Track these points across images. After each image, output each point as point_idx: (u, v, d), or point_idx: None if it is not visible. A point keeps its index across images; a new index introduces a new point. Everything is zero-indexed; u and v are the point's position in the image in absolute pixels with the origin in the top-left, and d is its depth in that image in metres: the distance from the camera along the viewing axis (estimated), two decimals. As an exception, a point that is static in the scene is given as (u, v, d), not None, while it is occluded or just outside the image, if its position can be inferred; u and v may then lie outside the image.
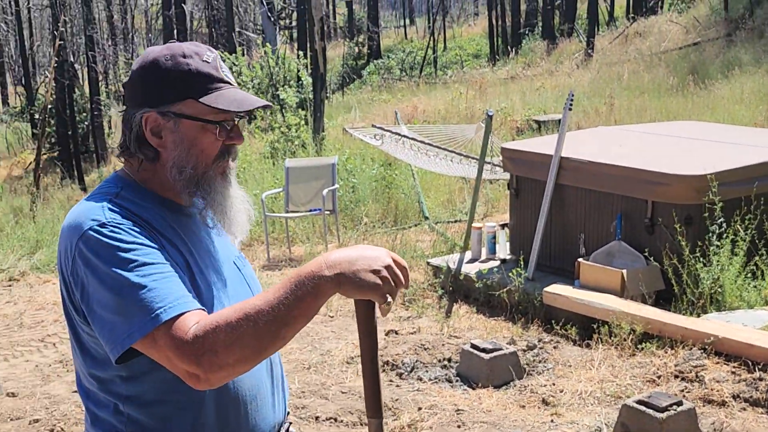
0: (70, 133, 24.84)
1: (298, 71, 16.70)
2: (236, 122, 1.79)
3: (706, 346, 5.19)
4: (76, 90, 26.60)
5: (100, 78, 29.54)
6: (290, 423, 2.00)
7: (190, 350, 1.52)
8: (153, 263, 1.62)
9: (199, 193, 1.77)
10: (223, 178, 1.80)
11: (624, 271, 5.97)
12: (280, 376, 1.95)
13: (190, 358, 1.52)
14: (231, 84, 1.78)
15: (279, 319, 1.52)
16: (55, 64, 15.87)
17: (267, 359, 1.84)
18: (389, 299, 1.55)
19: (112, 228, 1.64)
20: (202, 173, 1.76)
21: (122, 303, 1.58)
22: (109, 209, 1.68)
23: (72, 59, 25.90)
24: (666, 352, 5.34)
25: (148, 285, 1.58)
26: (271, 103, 1.85)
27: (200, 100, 1.72)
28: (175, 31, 24.42)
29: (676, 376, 5.02)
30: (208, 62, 1.76)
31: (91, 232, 1.63)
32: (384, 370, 5.58)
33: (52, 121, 24.67)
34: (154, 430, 1.72)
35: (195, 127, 1.74)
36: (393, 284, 1.55)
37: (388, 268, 1.55)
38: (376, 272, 1.53)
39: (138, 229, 1.66)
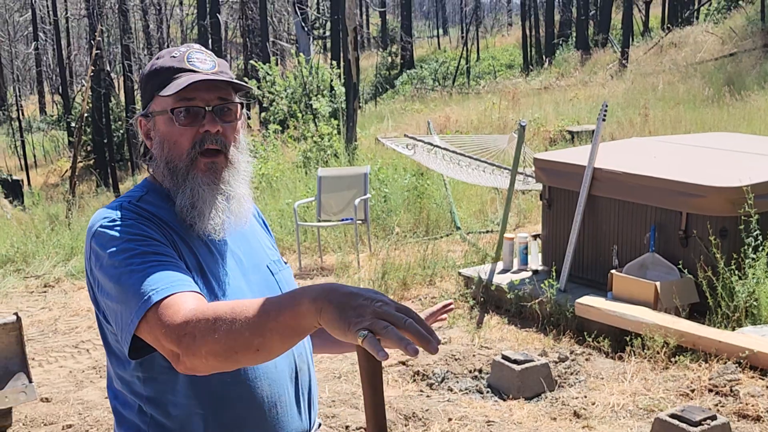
0: (105, 141, 25.13)
1: (331, 81, 16.77)
2: (208, 109, 1.76)
3: (741, 360, 5.12)
4: (112, 99, 26.94)
5: (136, 87, 29.86)
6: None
7: (175, 330, 1.51)
8: (152, 252, 1.64)
9: (177, 186, 1.77)
10: (206, 175, 1.77)
11: (657, 283, 5.91)
12: (308, 385, 1.91)
13: (174, 337, 1.51)
14: (195, 70, 1.77)
15: (255, 326, 1.44)
16: (92, 74, 16.06)
17: (291, 366, 1.83)
18: (364, 333, 1.32)
19: (119, 222, 1.69)
20: (178, 166, 1.77)
21: (122, 291, 1.60)
22: (123, 209, 1.73)
23: (108, 68, 26.22)
24: (700, 366, 5.28)
25: (145, 271, 1.59)
26: (222, 79, 1.77)
27: (159, 93, 1.76)
28: (210, 41, 24.64)
29: (710, 390, 4.96)
30: (174, 56, 1.79)
31: (101, 229, 1.69)
32: (414, 380, 5.57)
33: (88, 130, 24.97)
34: (174, 431, 1.74)
35: (164, 121, 1.77)
36: (380, 321, 1.32)
37: (382, 305, 1.35)
38: (362, 307, 1.35)
39: (147, 223, 1.70)
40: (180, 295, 1.56)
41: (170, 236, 1.73)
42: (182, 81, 1.73)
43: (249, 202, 1.86)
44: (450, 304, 2.00)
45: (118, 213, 1.72)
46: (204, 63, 1.79)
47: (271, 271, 1.89)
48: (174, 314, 1.52)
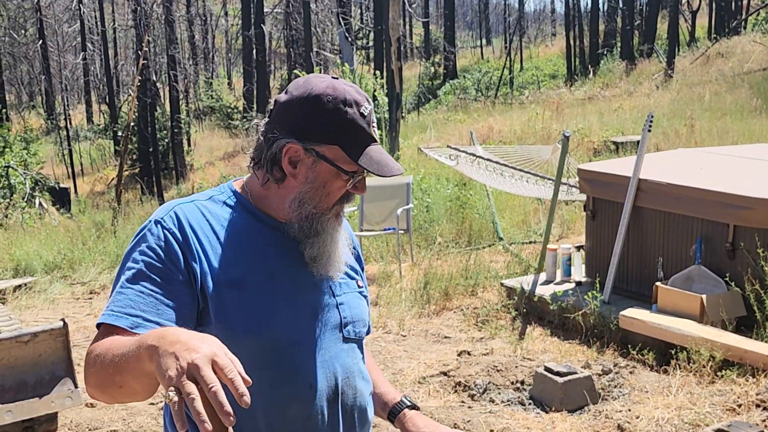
0: (151, 150, 25.46)
1: (375, 90, 16.82)
2: (364, 174, 1.82)
3: (790, 376, 5.03)
4: (158, 108, 27.29)
5: (181, 97, 30.24)
6: None
7: (85, 358, 1.65)
8: (148, 276, 1.70)
9: (308, 229, 1.81)
10: (335, 219, 1.84)
11: (704, 296, 5.83)
12: (354, 408, 1.90)
13: (84, 364, 1.65)
14: (376, 140, 1.82)
15: (114, 365, 1.53)
16: (138, 83, 16.28)
17: (330, 387, 1.83)
18: (172, 394, 1.31)
19: (153, 227, 1.76)
20: (320, 214, 1.81)
21: (113, 287, 1.74)
22: (174, 212, 1.78)
23: (154, 78, 26.57)
24: (747, 381, 5.19)
25: (124, 291, 1.69)
26: (399, 173, 1.83)
27: (347, 152, 1.76)
28: (254, 51, 24.85)
29: (758, 406, 4.87)
30: (364, 116, 1.78)
31: (147, 223, 1.79)
32: (456, 391, 5.55)
33: (134, 139, 25.33)
34: None
35: (331, 171, 1.77)
36: (187, 385, 1.32)
37: (194, 364, 1.33)
38: (179, 361, 1.35)
39: (177, 237, 1.74)
40: (115, 329, 1.65)
41: (204, 246, 1.76)
42: (378, 160, 1.77)
43: (349, 238, 1.98)
44: None
45: (167, 216, 1.78)
46: (376, 130, 1.84)
47: (333, 292, 1.89)
48: (93, 343, 1.65)
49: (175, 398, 1.32)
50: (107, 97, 31.09)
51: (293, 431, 1.79)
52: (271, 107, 1.84)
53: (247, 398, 1.34)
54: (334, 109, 1.76)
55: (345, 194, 1.82)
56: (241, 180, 1.92)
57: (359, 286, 1.99)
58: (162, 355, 1.38)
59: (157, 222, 1.76)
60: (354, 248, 2.02)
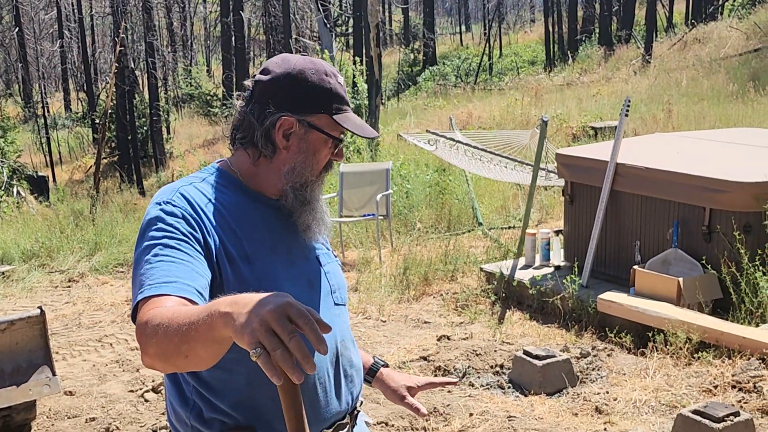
0: (129, 138, 25.29)
1: (354, 77, 16.79)
2: (344, 142, 2.00)
3: (765, 356, 5.08)
4: (136, 96, 27.10)
5: (160, 84, 30.04)
6: (358, 412, 2.08)
7: (138, 330, 1.63)
8: (172, 247, 1.75)
9: (302, 197, 1.94)
10: (319, 187, 1.99)
11: (680, 279, 5.88)
12: (351, 368, 2.02)
13: (137, 336, 1.64)
14: (351, 108, 1.99)
15: (181, 334, 1.53)
16: (116, 71, 16.16)
17: (332, 351, 1.95)
18: (259, 351, 1.36)
19: (164, 207, 1.82)
20: (310, 180, 1.94)
21: (135, 274, 1.75)
22: (180, 192, 1.86)
23: (132, 66, 26.38)
24: (723, 362, 5.25)
25: (153, 264, 1.72)
26: (377, 136, 2.04)
27: (334, 117, 1.91)
28: (233, 38, 24.73)
29: (734, 387, 4.93)
30: (341, 84, 1.95)
31: (151, 207, 1.85)
32: (436, 375, 5.57)
33: (113, 127, 25.15)
34: (215, 415, 1.85)
35: (320, 139, 1.93)
36: (271, 335, 1.37)
37: (271, 314, 1.38)
38: (257, 318, 1.39)
39: (189, 214, 1.82)
40: (162, 299, 1.66)
41: (212, 223, 1.84)
42: (360, 124, 1.96)
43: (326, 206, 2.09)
44: (455, 383, 2.28)
45: (172, 197, 1.85)
46: (347, 95, 2.00)
47: (320, 262, 2.03)
48: (145, 314, 1.64)
49: (258, 355, 1.37)
50: (85, 84, 30.84)
51: (304, 395, 1.82)
52: (251, 87, 1.94)
53: (325, 346, 1.39)
54: (319, 80, 1.91)
55: (328, 162, 1.98)
56: (224, 162, 2.00)
57: (335, 256, 2.14)
58: (237, 318, 1.43)
59: (167, 202, 1.83)
60: None
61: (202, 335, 1.51)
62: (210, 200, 1.88)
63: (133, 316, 1.70)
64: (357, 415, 2.07)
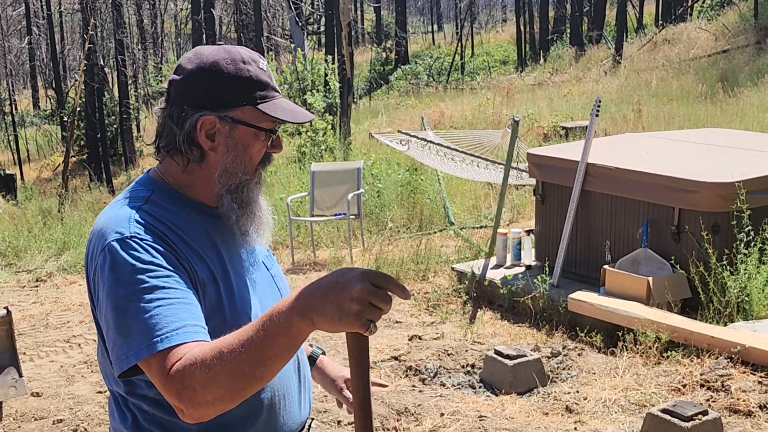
0: (99, 136, 25.06)
1: (326, 76, 16.75)
2: (278, 132, 1.82)
3: (733, 356, 5.13)
4: (106, 93, 26.86)
5: (130, 82, 29.80)
6: (312, 419, 2.01)
7: (172, 385, 1.51)
8: (163, 287, 1.60)
9: (239, 199, 1.79)
10: (256, 186, 1.83)
11: (650, 278, 5.92)
12: (307, 375, 1.96)
13: (173, 392, 1.52)
14: (280, 93, 1.82)
15: (252, 359, 1.47)
16: (85, 68, 16.01)
17: (295, 359, 1.87)
18: (371, 326, 1.44)
19: (132, 244, 1.63)
20: (245, 179, 1.79)
21: (125, 325, 1.58)
22: (136, 221, 1.68)
23: (102, 63, 26.15)
24: (692, 361, 5.29)
25: (152, 311, 1.57)
26: (311, 119, 1.86)
27: (259, 107, 1.75)
28: (204, 36, 24.59)
29: (702, 385, 4.97)
30: (263, 70, 1.78)
31: (114, 244, 1.64)
32: (407, 375, 5.57)
33: (82, 124, 24.91)
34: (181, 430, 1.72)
35: (249, 133, 1.76)
36: (372, 308, 1.43)
37: (362, 292, 1.42)
38: (351, 301, 1.42)
39: (160, 245, 1.66)
40: (183, 347, 1.54)
41: (180, 251, 1.69)
42: (290, 109, 1.78)
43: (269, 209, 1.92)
44: (386, 386, 2.23)
45: (131, 228, 1.66)
46: (273, 80, 1.83)
47: (266, 266, 1.93)
48: (170, 368, 1.52)
49: (373, 328, 1.44)
50: (54, 82, 30.51)
51: (275, 408, 1.81)
52: (168, 89, 1.79)
53: (408, 292, 1.47)
54: (236, 70, 1.74)
55: (265, 156, 1.82)
56: (155, 172, 1.83)
57: (272, 256, 2.04)
58: (326, 312, 1.43)
59: (131, 238, 1.64)
60: None
61: (279, 348, 1.48)
62: (165, 224, 1.71)
63: (124, 372, 1.59)
64: (311, 424, 1.99)
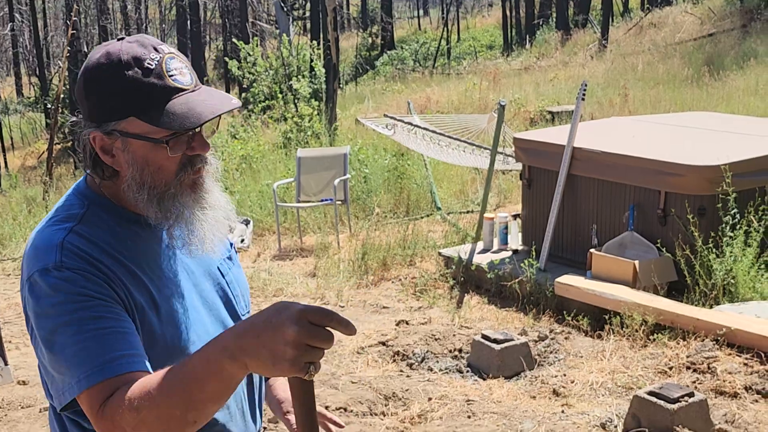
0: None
1: (312, 61, 16.69)
2: (197, 131, 1.57)
3: (719, 338, 5.15)
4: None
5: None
6: (265, 428, 1.93)
7: (103, 424, 1.42)
8: (90, 317, 1.46)
9: (166, 210, 1.59)
10: (193, 190, 1.61)
11: (636, 262, 5.93)
12: (259, 386, 1.84)
13: (103, 430, 1.43)
14: (182, 89, 1.55)
15: (182, 403, 1.36)
16: (68, 54, 15.90)
17: None
18: (310, 369, 1.29)
19: (57, 273, 1.49)
20: (164, 191, 1.58)
21: (53, 359, 1.48)
22: (64, 247, 1.52)
23: (86, 49, 25.95)
24: (678, 344, 5.31)
25: (81, 344, 1.45)
26: (226, 110, 1.57)
27: (140, 118, 1.52)
28: (189, 22, 24.45)
29: (688, 368, 4.99)
30: (150, 68, 1.53)
31: (38, 276, 1.50)
32: (394, 360, 5.57)
33: (66, 112, 24.74)
34: None
35: (145, 146, 1.55)
36: (310, 349, 1.27)
37: (297, 335, 1.26)
38: (285, 345, 1.26)
39: (90, 273, 1.51)
40: (116, 381, 1.42)
41: (115, 273, 1.54)
42: (182, 113, 1.52)
43: (229, 207, 1.70)
44: (341, 426, 1.97)
45: (58, 256, 1.51)
46: (184, 75, 1.57)
47: (221, 273, 1.77)
48: (99, 406, 1.42)
49: (315, 371, 1.30)
50: (37, 69, 30.28)
51: (226, 419, 1.70)
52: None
53: (354, 327, 1.29)
54: (112, 78, 1.52)
55: (186, 160, 1.58)
56: (92, 181, 1.65)
57: (234, 260, 1.85)
58: (260, 356, 1.29)
59: (58, 267, 1.49)
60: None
61: (211, 393, 1.36)
62: (99, 246, 1.55)
63: (64, 407, 1.48)
64: None
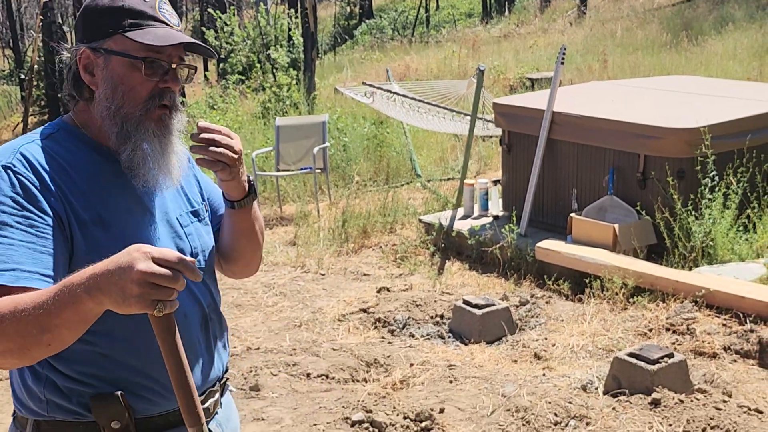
0: (59, 95, 24.62)
1: (290, 30, 16.54)
2: (173, 66, 1.74)
3: (698, 299, 5.18)
4: (65, 52, 26.33)
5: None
6: (227, 379, 1.99)
7: None
8: (11, 226, 1.58)
9: (125, 134, 1.72)
10: (158, 126, 1.74)
11: (616, 225, 5.94)
12: (220, 334, 1.92)
13: None
14: (168, 24, 1.75)
15: (40, 323, 1.46)
16: (41, 25, 15.68)
17: (200, 315, 1.83)
18: (158, 306, 1.42)
19: (8, 174, 1.63)
20: (130, 114, 1.71)
21: None
22: (21, 153, 1.66)
23: (59, 21, 25.61)
24: (657, 306, 5.33)
25: None
26: (201, 44, 1.78)
27: (126, 34, 1.69)
28: (164, -9, 24.13)
29: (668, 329, 5.01)
30: (145, 1, 1.74)
31: None
32: (376, 327, 5.57)
33: (41, 84, 24.46)
34: (73, 386, 1.70)
35: (124, 64, 1.71)
36: (158, 288, 1.41)
37: (142, 274, 1.40)
38: (132, 283, 1.40)
39: (35, 180, 1.63)
40: (5, 290, 1.53)
41: (62, 186, 1.66)
42: (163, 34, 1.70)
43: (185, 158, 1.86)
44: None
45: (13, 158, 1.65)
46: (173, 17, 1.77)
47: (180, 223, 1.86)
48: None
49: (164, 309, 1.42)
50: (11, 41, 29.89)
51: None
52: None
53: (199, 273, 1.47)
54: (110, 1, 1.72)
55: (157, 92, 1.73)
56: (68, 116, 1.82)
57: (206, 210, 1.96)
58: (110, 293, 1.42)
59: (5, 168, 1.63)
60: (197, 181, 1.98)
61: (67, 320, 1.47)
62: (55, 159, 1.68)
63: None
64: (226, 383, 1.98)
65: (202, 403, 1.79)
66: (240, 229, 1.96)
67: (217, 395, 1.92)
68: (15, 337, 1.48)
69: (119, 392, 1.70)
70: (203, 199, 1.98)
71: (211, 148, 1.72)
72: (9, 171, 1.63)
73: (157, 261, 1.42)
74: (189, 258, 1.46)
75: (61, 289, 1.46)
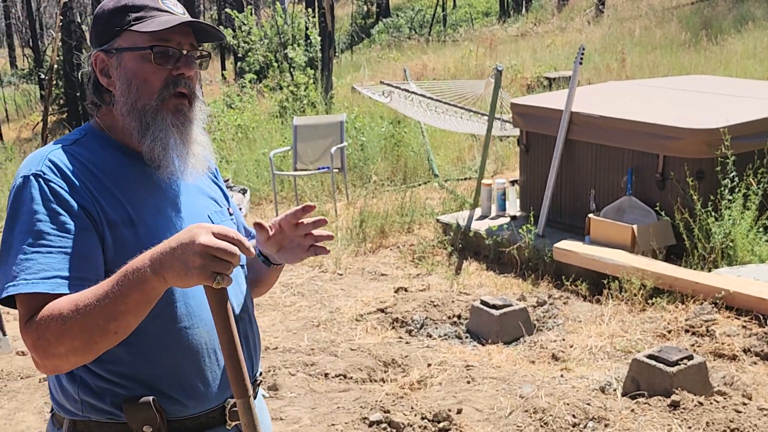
0: (78, 94, 24.77)
1: (307, 29, 16.56)
2: (184, 52, 1.77)
3: (717, 301, 5.15)
4: (84, 51, 26.48)
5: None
6: (260, 383, 1.98)
7: (28, 334, 1.58)
8: (48, 233, 1.62)
9: (144, 125, 1.74)
10: (176, 116, 1.77)
11: (635, 226, 5.92)
12: (250, 335, 1.91)
13: (28, 342, 1.58)
14: (171, 13, 1.77)
15: (106, 313, 1.52)
16: (61, 24, 15.77)
17: (232, 312, 1.81)
18: (217, 278, 1.50)
19: (34, 182, 1.66)
20: (147, 105, 1.74)
21: (4, 256, 1.64)
22: (49, 159, 1.69)
23: (79, 20, 25.76)
24: (677, 307, 5.31)
25: (28, 254, 1.60)
26: (206, 24, 1.80)
27: (132, 29, 1.73)
28: (182, -9, 24.23)
29: (687, 331, 4.99)
30: None
31: (20, 180, 1.68)
32: (393, 327, 5.58)
33: (60, 83, 24.60)
34: (106, 386, 1.72)
35: (134, 57, 1.74)
36: (217, 260, 1.49)
37: (204, 246, 1.48)
38: (194, 255, 1.48)
39: (66, 186, 1.67)
40: (47, 297, 1.58)
41: (91, 189, 1.69)
42: (165, 20, 1.73)
43: (209, 148, 1.87)
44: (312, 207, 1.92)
45: (43, 166, 1.68)
46: (177, 6, 1.80)
47: (212, 221, 1.86)
48: (26, 317, 1.58)
49: (222, 282, 1.50)
50: (30, 40, 30.09)
51: (203, 363, 1.78)
52: None
53: (253, 249, 1.55)
54: (115, 4, 1.77)
55: (171, 80, 1.75)
56: (94, 120, 1.84)
57: (230, 214, 2.00)
58: (172, 268, 1.49)
59: (37, 175, 1.67)
60: (215, 178, 2.01)
61: (133, 304, 1.53)
62: (82, 162, 1.71)
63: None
64: (258, 385, 1.97)
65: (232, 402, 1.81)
66: (265, 281, 2.07)
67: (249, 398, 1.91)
68: (80, 333, 1.53)
69: (151, 398, 1.71)
70: (226, 199, 2.03)
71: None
72: (39, 179, 1.66)
73: (216, 235, 1.49)
74: (245, 240, 1.53)
75: (123, 276, 1.53)
